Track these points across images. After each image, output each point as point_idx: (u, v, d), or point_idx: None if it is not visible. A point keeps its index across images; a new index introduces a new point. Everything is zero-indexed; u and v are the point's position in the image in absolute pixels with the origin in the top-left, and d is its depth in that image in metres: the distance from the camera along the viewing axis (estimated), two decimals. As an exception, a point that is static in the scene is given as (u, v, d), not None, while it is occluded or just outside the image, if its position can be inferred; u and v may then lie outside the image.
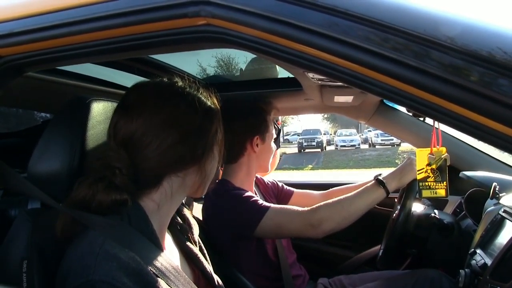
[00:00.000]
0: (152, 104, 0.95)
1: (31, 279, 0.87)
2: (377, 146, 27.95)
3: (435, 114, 0.70)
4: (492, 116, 0.65)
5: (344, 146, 28.88)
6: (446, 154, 1.53)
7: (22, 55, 0.95)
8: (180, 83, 1.02)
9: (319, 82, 1.75)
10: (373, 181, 1.67)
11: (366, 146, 30.14)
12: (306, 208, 1.60)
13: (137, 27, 0.82)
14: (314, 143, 28.82)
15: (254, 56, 2.10)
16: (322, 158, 24.61)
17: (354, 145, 28.85)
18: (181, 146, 0.94)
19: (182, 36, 0.83)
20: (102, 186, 0.89)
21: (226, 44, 0.82)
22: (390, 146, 26.56)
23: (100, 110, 1.06)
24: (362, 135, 34.80)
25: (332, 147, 31.40)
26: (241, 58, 2.27)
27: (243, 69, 2.31)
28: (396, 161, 19.20)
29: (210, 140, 1.01)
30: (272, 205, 1.65)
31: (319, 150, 28.58)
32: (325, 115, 51.70)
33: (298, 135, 31.09)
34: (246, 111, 1.90)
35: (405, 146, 23.72)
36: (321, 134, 30.89)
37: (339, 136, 31.68)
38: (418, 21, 0.69)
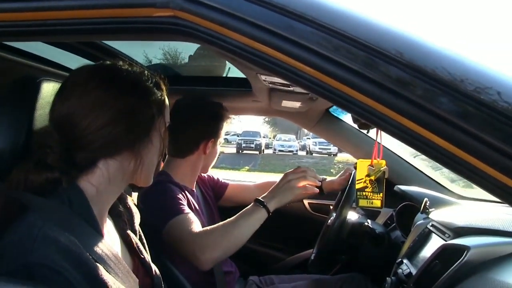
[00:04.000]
0: (84, 85, 0.94)
1: None
2: (314, 154, 28.22)
3: (385, 125, 0.74)
4: (435, 131, 0.69)
5: (282, 151, 29.06)
6: (385, 167, 1.57)
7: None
8: (121, 67, 1.01)
9: (270, 85, 1.78)
10: (252, 203, 1.64)
11: (303, 153, 30.44)
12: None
13: (104, 11, 0.81)
14: (252, 145, 28.86)
15: (201, 52, 2.10)
16: (260, 160, 24.73)
17: (292, 151, 29.11)
18: (112, 128, 0.92)
19: (147, 26, 0.82)
20: (33, 165, 0.89)
21: (190, 39, 0.82)
22: (327, 156, 26.93)
23: (50, 91, 1.03)
24: (301, 141, 35.19)
25: (270, 151, 31.47)
26: (189, 54, 2.26)
27: (192, 64, 2.31)
28: (331, 170, 19.61)
29: (144, 124, 0.99)
30: (187, 212, 1.63)
31: (257, 152, 28.68)
32: (266, 119, 52.01)
33: (238, 136, 31.07)
34: (211, 114, 1.94)
35: (341, 157, 24.23)
36: (260, 136, 31.00)
37: (278, 140, 31.80)
38: (371, 32, 0.73)
